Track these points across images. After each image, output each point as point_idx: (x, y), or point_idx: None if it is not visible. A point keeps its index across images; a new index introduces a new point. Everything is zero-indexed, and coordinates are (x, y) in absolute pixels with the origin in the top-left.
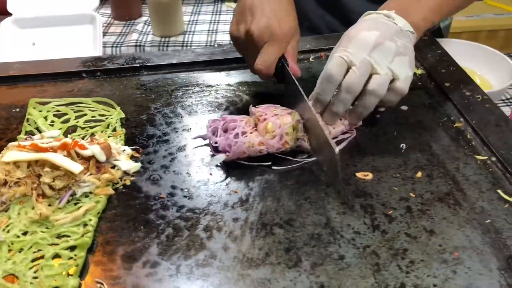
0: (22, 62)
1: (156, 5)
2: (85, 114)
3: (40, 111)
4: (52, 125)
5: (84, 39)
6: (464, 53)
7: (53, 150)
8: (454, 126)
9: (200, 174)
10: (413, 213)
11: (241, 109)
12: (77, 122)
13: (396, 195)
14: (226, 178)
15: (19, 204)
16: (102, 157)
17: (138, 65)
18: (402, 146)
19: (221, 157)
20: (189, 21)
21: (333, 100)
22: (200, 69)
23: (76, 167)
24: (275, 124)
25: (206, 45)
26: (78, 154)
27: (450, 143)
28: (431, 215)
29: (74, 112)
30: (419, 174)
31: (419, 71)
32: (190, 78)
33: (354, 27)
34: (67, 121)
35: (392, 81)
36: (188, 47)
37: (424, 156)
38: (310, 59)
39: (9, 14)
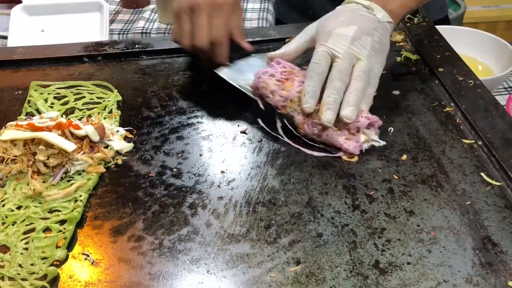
0: (26, 46)
1: None
2: (84, 97)
3: (41, 93)
4: (51, 107)
5: (92, 26)
6: (466, 41)
7: (49, 129)
8: (444, 110)
9: (190, 155)
10: (394, 194)
11: (235, 94)
12: (76, 104)
13: (379, 177)
14: (215, 159)
15: (15, 180)
16: (95, 137)
17: (138, 50)
18: (390, 129)
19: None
20: None
21: (326, 92)
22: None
23: (69, 145)
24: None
25: None
26: (72, 134)
27: (438, 127)
28: (412, 197)
29: (74, 94)
30: (404, 156)
31: (414, 56)
32: (187, 62)
33: (332, 21)
34: (66, 103)
35: None
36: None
37: (411, 140)
38: None
39: (19, 2)
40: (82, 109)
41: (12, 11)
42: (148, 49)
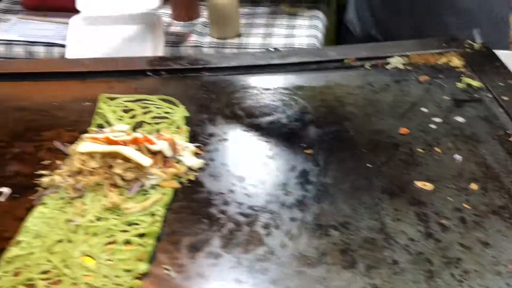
0: (91, 59)
1: (215, 7)
2: (151, 111)
3: (109, 105)
4: (120, 120)
5: (147, 37)
6: None
7: (125, 143)
8: (510, 140)
9: (258, 174)
10: (467, 224)
11: (296, 112)
12: (144, 118)
13: (450, 205)
14: (282, 179)
15: (93, 192)
16: (168, 152)
17: (200, 66)
18: (457, 157)
19: None
20: (245, 23)
21: None
22: (258, 72)
23: (146, 160)
24: None
25: (262, 48)
26: (147, 149)
27: (506, 157)
28: (485, 227)
29: (141, 108)
30: (473, 186)
31: (476, 84)
32: (248, 80)
33: None
34: (134, 116)
35: None
36: (244, 50)
37: (480, 169)
38: (367, 66)
39: (76, 11)
40: (151, 123)
41: (70, 21)
42: (210, 66)
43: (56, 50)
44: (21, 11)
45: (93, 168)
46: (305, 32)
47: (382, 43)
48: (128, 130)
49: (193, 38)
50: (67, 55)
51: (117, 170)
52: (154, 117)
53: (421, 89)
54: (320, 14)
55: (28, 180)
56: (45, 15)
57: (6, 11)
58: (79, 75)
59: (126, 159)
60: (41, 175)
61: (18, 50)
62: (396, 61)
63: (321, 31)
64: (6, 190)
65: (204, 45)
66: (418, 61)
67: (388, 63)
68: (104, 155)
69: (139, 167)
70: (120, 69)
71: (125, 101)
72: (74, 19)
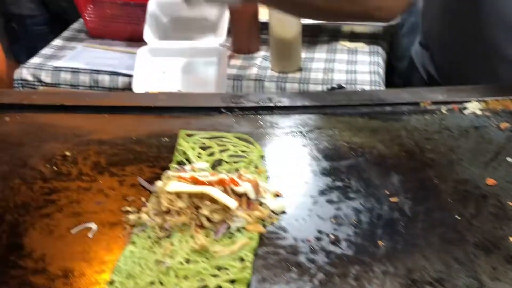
0: (167, 93)
1: (278, 41)
2: (228, 149)
3: (187, 142)
4: (199, 157)
5: (210, 71)
6: None
7: (211, 184)
8: None
9: (344, 221)
10: None
11: (375, 156)
12: (222, 156)
13: None
14: (370, 227)
15: (180, 232)
16: (252, 194)
17: (273, 105)
18: None
19: None
20: (305, 57)
21: None
22: (331, 113)
23: (232, 203)
24: None
25: (323, 84)
26: (232, 190)
27: None
28: None
29: (218, 146)
30: None
31: None
32: (322, 120)
33: None
34: (212, 154)
35: None
36: (306, 84)
37: None
38: (443, 110)
39: (140, 40)
40: (229, 162)
41: (138, 52)
42: (284, 104)
43: (120, 79)
44: (86, 39)
45: (180, 208)
46: (366, 68)
47: (457, 86)
48: (208, 168)
49: (254, 71)
50: (133, 86)
51: (205, 211)
52: (231, 156)
53: (502, 137)
54: (380, 50)
55: (114, 216)
56: (110, 44)
57: (71, 39)
58: (155, 110)
59: (213, 200)
60: (127, 212)
61: (84, 78)
62: (473, 106)
63: (382, 67)
64: (93, 226)
65: (265, 79)
66: (496, 107)
67: (465, 108)
68: (191, 195)
69: (225, 209)
70: (196, 105)
71: (202, 138)
72: (141, 51)
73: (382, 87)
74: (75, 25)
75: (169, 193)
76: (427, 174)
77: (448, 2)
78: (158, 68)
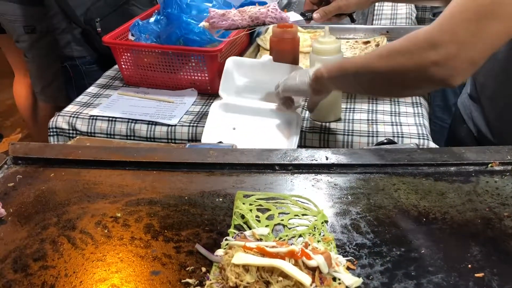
0: (217, 149)
1: None
2: (288, 212)
3: (244, 203)
4: (258, 221)
5: (284, 133)
6: None
7: (280, 256)
8: None
9: None
10: None
11: (448, 223)
12: (282, 220)
13: None
14: None
15: None
16: (325, 268)
17: (330, 163)
18: None
19: None
20: (346, 108)
21: None
22: (392, 172)
23: (306, 279)
24: None
25: (367, 135)
26: (303, 263)
27: None
28: None
29: (276, 208)
30: None
31: None
32: (384, 180)
33: None
34: (271, 217)
35: None
36: (350, 136)
37: None
38: None
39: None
40: (291, 228)
41: (212, 106)
42: (340, 162)
43: (157, 129)
44: (121, 86)
45: (248, 283)
46: (412, 120)
47: None
48: (270, 235)
49: None
50: (203, 138)
51: (276, 287)
52: (291, 219)
53: None
54: (422, 100)
55: None
56: (145, 92)
57: (106, 87)
58: (205, 166)
59: (284, 275)
60: (187, 284)
61: (120, 127)
62: None
63: (427, 119)
64: None
65: (307, 130)
66: None
67: None
68: (259, 268)
69: (298, 285)
70: (247, 162)
71: (258, 199)
72: (214, 105)
73: (430, 140)
74: (109, 72)
75: (236, 266)
76: (511, 246)
77: (503, 62)
78: (228, 123)
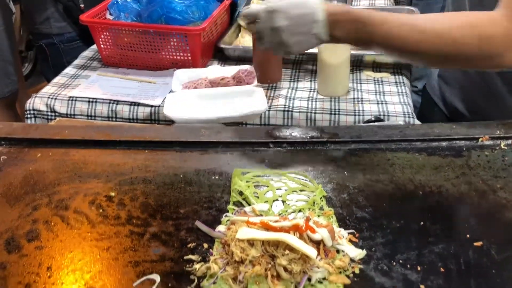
0: (209, 127)
1: (327, 66)
2: (285, 188)
3: (241, 180)
4: (257, 197)
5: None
6: None
7: (284, 230)
8: None
9: (430, 269)
10: None
11: (445, 196)
12: (280, 196)
13: None
14: (460, 276)
15: (254, 284)
16: (329, 241)
17: (325, 139)
18: None
19: None
20: None
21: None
22: (387, 148)
23: (312, 251)
24: None
25: (355, 115)
26: (308, 237)
27: None
28: None
29: (274, 184)
30: None
31: None
32: (379, 156)
33: None
34: (269, 193)
35: None
36: (337, 115)
37: None
38: (502, 146)
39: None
40: (290, 203)
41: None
42: (335, 139)
43: (140, 110)
44: (99, 67)
45: (254, 257)
46: (396, 99)
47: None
48: (270, 210)
49: (280, 102)
50: (165, 109)
51: (282, 261)
52: (290, 195)
53: None
54: (405, 80)
55: (177, 266)
56: (125, 73)
57: (84, 67)
58: (198, 145)
59: (290, 249)
60: (190, 261)
61: (101, 109)
62: None
63: (410, 98)
64: (157, 278)
65: (294, 110)
66: None
67: None
68: (264, 243)
69: (304, 258)
70: (242, 140)
71: (255, 176)
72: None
73: (415, 119)
74: (87, 53)
75: (241, 241)
76: (506, 216)
77: None
78: (192, 95)
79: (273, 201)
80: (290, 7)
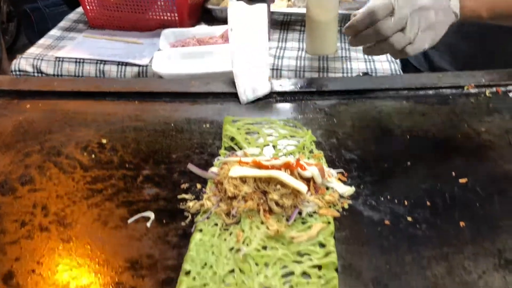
0: (200, 79)
1: (315, 23)
2: (276, 135)
3: (232, 127)
4: (249, 143)
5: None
6: None
7: (276, 168)
8: None
9: (417, 202)
10: None
11: (431, 139)
12: (271, 142)
13: None
14: (446, 209)
15: (247, 218)
16: (319, 179)
17: (314, 89)
18: None
19: None
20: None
21: (363, 33)
22: (373, 97)
23: (303, 186)
24: None
25: (343, 72)
26: (299, 174)
27: None
28: None
29: (264, 130)
30: None
31: None
32: (366, 104)
33: None
34: (260, 139)
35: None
36: (325, 73)
37: None
38: (487, 93)
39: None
40: (280, 148)
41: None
42: (324, 89)
43: (128, 70)
44: (85, 29)
45: (246, 193)
46: (383, 57)
47: (497, 70)
48: (261, 155)
49: (270, 61)
50: (153, 65)
51: (274, 196)
52: (281, 140)
53: None
54: None
55: (171, 204)
56: (112, 34)
57: (70, 29)
58: (189, 96)
59: (281, 185)
60: (184, 200)
61: (89, 69)
62: None
63: None
64: (151, 215)
65: (283, 69)
66: None
67: (510, 91)
68: (256, 180)
69: (295, 193)
70: (231, 91)
71: (246, 124)
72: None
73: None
74: (72, 16)
75: (233, 178)
76: (490, 156)
77: None
78: (180, 52)
79: (264, 146)
80: None
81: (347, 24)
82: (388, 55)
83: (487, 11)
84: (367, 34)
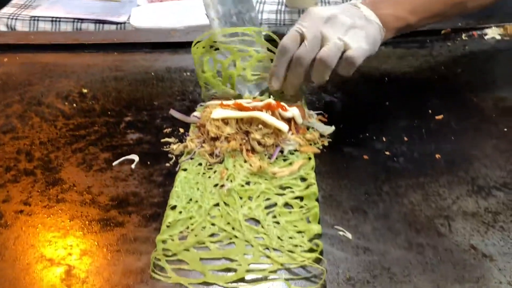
0: (180, 29)
1: None
2: (250, 55)
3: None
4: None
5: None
6: None
7: (257, 109)
8: None
9: (394, 138)
10: None
11: (409, 80)
12: (244, 69)
13: None
14: (423, 143)
15: (231, 157)
16: (299, 119)
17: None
18: None
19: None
20: None
21: (288, 73)
22: None
23: (284, 126)
24: None
25: None
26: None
27: None
28: None
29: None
30: None
31: None
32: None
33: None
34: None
35: (344, 51)
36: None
37: None
38: (463, 37)
39: None
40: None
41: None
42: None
43: (106, 28)
44: None
45: (229, 134)
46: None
47: (474, 14)
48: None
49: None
50: (132, 19)
51: (256, 135)
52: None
53: None
54: None
55: (154, 148)
56: None
57: None
58: (170, 46)
59: (263, 125)
60: (167, 143)
61: (66, 27)
62: (493, 32)
63: None
64: (135, 158)
65: (263, 22)
66: None
67: (485, 34)
68: (238, 121)
69: (276, 132)
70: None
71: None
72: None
73: None
74: None
75: (216, 120)
76: (465, 95)
77: None
78: (159, 7)
79: (237, 76)
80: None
81: (268, 80)
82: None
83: (411, 14)
84: (292, 71)
